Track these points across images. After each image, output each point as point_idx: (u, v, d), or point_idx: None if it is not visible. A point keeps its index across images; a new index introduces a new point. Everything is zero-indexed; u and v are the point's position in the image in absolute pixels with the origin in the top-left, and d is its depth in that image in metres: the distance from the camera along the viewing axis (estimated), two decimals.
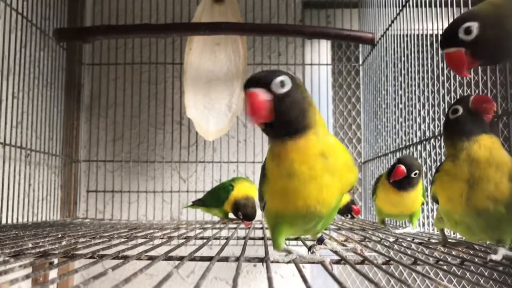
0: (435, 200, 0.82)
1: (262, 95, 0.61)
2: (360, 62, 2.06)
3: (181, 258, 0.70)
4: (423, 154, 1.34)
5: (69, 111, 1.84)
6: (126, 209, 1.91)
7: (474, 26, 0.66)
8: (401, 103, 1.53)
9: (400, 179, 1.17)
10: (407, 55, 1.49)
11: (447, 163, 0.76)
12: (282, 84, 0.62)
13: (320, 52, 2.04)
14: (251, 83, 0.62)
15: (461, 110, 0.75)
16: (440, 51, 1.25)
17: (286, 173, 0.63)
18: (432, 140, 1.27)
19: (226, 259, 0.70)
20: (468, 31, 0.66)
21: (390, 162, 1.60)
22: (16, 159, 1.47)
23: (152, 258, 0.70)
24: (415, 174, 1.17)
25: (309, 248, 0.76)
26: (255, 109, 0.61)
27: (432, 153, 1.26)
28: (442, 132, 0.74)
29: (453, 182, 0.74)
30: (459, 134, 0.74)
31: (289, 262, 0.67)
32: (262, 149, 1.98)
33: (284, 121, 0.62)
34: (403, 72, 1.52)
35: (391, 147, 1.59)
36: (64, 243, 0.85)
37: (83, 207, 1.92)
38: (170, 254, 0.71)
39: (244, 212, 1.43)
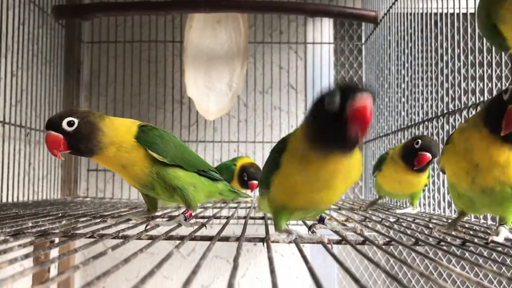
0: (443, 171, 0.82)
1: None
2: (363, 41, 2.03)
3: (181, 238, 0.70)
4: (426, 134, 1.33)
5: (68, 89, 1.83)
6: (126, 188, 1.91)
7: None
8: (403, 82, 1.51)
9: None
10: (411, 34, 1.47)
11: (459, 134, 0.75)
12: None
13: (323, 30, 2.02)
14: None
15: None
16: (443, 30, 1.23)
17: (306, 176, 0.62)
18: (435, 120, 1.26)
19: (226, 239, 0.70)
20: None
21: (391, 142, 1.59)
22: (16, 138, 1.46)
23: (152, 238, 0.70)
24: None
25: (309, 228, 0.76)
26: None
27: (435, 134, 1.26)
28: (486, 106, 0.68)
29: (460, 158, 0.73)
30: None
31: (289, 242, 0.67)
32: (262, 129, 1.97)
33: None
34: (406, 51, 1.50)
35: (393, 127, 1.58)
36: (64, 222, 0.85)
37: (83, 186, 1.92)
38: (170, 234, 0.70)
39: (249, 172, 1.45)
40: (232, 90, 1.84)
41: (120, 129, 0.81)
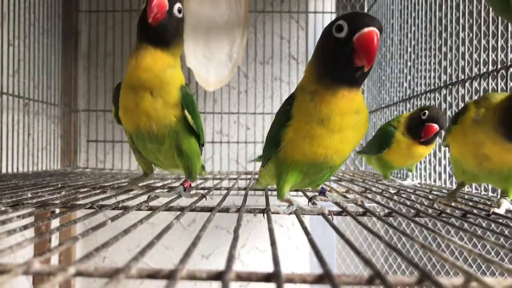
0: (447, 147, 0.82)
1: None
2: (366, 10, 1.99)
3: (181, 209, 0.69)
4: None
5: (66, 59, 1.81)
6: (127, 159, 1.91)
7: None
8: (406, 53, 1.49)
9: None
10: (414, 3, 1.44)
11: (470, 123, 0.73)
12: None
13: None
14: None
15: None
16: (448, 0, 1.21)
17: (318, 119, 0.62)
18: (437, 91, 1.24)
19: (227, 209, 0.70)
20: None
21: (393, 113, 1.58)
22: (14, 108, 1.45)
23: (152, 209, 0.69)
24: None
25: (310, 199, 0.76)
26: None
27: (437, 105, 1.24)
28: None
29: (468, 143, 0.72)
30: None
31: (290, 213, 0.66)
32: (263, 101, 1.96)
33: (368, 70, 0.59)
34: (409, 21, 1.47)
35: (395, 99, 1.57)
36: (63, 193, 0.85)
37: (83, 156, 1.92)
38: (170, 205, 0.70)
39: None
40: (232, 60, 1.82)
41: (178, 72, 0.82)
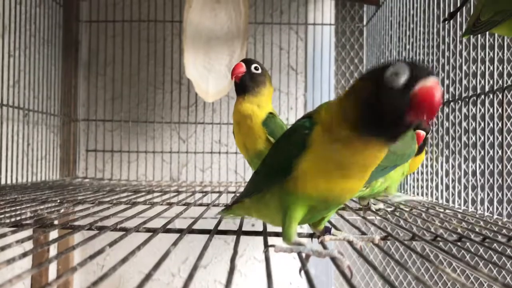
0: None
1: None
2: (364, 23, 2.01)
3: (180, 231, 0.70)
4: None
5: (67, 69, 1.81)
6: (125, 168, 1.91)
7: None
8: None
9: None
10: (413, 15, 1.44)
11: None
12: None
13: (324, 10, 1.99)
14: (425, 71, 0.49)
15: None
16: (446, 11, 1.21)
17: (340, 163, 0.55)
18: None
19: (224, 232, 0.70)
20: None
21: None
22: (14, 119, 1.46)
23: (150, 231, 0.70)
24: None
25: (317, 237, 0.68)
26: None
27: (439, 122, 1.25)
28: None
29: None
30: None
31: (299, 254, 0.59)
32: None
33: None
34: (407, 33, 1.48)
35: None
36: (63, 210, 0.85)
37: (82, 165, 1.93)
38: (168, 227, 0.71)
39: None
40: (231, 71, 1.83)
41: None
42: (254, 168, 1.09)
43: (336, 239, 0.66)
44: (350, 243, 0.64)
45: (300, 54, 2.00)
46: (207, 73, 1.82)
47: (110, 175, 1.92)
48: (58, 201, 0.98)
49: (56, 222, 0.72)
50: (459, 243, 0.69)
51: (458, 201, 1.12)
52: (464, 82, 1.12)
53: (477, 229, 0.77)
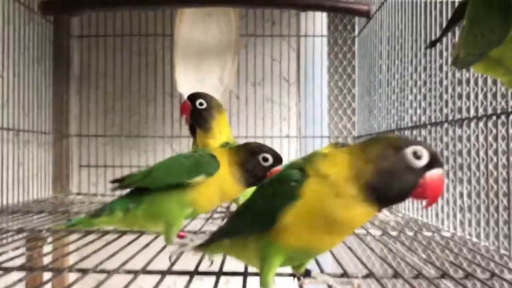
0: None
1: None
2: (356, 34, 2.00)
3: (161, 272, 0.70)
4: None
5: (58, 85, 1.81)
6: None
7: None
8: (394, 79, 1.49)
9: None
10: (401, 30, 1.44)
11: None
12: None
13: (315, 20, 1.98)
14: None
15: None
16: (437, 23, 1.20)
17: (336, 215, 0.55)
18: (429, 126, 1.22)
19: (205, 273, 0.70)
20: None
21: None
22: (3, 140, 1.45)
23: (131, 272, 0.70)
24: None
25: (297, 279, 0.67)
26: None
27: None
28: None
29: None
30: None
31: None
32: (254, 123, 1.96)
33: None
34: (396, 48, 1.48)
35: (383, 125, 1.57)
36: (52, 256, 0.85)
37: (76, 180, 1.92)
38: (148, 269, 0.71)
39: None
40: (223, 85, 1.83)
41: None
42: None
43: (316, 283, 0.65)
44: (329, 287, 0.64)
45: (292, 65, 1.99)
46: (199, 87, 1.81)
47: (104, 189, 1.92)
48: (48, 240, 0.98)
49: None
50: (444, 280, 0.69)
51: (447, 223, 1.12)
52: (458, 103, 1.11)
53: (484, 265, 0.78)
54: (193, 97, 1.12)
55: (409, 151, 0.53)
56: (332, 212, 0.55)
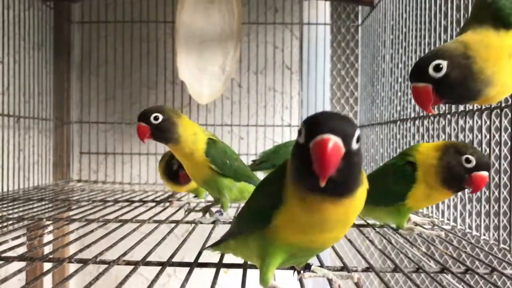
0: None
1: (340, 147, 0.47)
2: (359, 22, 1.98)
3: (161, 264, 0.70)
4: (421, 130, 1.27)
5: (59, 72, 1.80)
6: (120, 170, 1.91)
7: (444, 64, 0.66)
8: (397, 69, 1.48)
9: None
10: (405, 19, 1.42)
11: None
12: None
13: (318, 8, 1.96)
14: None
15: None
16: (437, 16, 1.19)
17: (311, 223, 0.54)
18: (431, 117, 1.20)
19: (205, 265, 0.70)
20: (437, 68, 0.67)
21: (383, 131, 1.57)
22: (4, 126, 1.45)
23: (130, 264, 0.70)
24: None
25: (297, 273, 0.67)
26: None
27: (425, 135, 1.23)
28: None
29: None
30: None
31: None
32: (256, 111, 1.95)
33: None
34: (400, 37, 1.46)
35: (386, 115, 1.56)
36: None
37: (76, 167, 1.92)
38: (148, 259, 0.71)
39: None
40: (225, 73, 1.81)
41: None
42: (203, 192, 1.40)
43: (316, 276, 0.65)
44: (330, 281, 0.63)
45: (295, 53, 1.98)
46: (201, 75, 1.80)
47: (104, 176, 1.92)
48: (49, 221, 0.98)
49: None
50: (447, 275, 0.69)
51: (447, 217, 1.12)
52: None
53: (483, 259, 0.77)
54: (144, 116, 0.98)
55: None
56: (309, 220, 0.54)
